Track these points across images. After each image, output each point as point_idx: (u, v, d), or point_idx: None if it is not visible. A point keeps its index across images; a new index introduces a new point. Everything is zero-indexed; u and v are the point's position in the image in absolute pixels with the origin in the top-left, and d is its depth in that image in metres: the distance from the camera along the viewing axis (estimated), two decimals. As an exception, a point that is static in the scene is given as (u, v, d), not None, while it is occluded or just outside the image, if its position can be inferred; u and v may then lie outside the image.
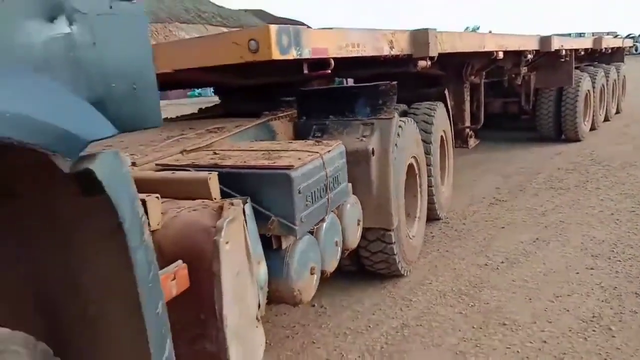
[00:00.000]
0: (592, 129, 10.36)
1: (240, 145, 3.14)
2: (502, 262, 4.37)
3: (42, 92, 1.07)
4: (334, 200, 2.87)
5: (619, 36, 25.11)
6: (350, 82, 6.84)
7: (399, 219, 3.82)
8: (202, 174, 2.28)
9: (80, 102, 1.15)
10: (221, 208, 2.03)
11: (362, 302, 3.88)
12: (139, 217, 1.30)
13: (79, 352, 1.53)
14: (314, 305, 3.86)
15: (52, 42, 1.10)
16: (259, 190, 2.44)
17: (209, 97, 19.46)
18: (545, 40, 7.91)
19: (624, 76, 13.48)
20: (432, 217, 5.34)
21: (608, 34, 28.49)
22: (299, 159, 2.55)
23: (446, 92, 5.91)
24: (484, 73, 7.25)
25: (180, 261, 1.66)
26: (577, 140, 9.49)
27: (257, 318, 2.23)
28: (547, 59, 8.62)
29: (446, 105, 5.78)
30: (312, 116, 3.83)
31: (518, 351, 3.06)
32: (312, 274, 2.65)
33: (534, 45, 7.69)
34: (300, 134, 3.82)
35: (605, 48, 11.52)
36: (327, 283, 3.62)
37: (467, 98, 6.90)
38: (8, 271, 1.63)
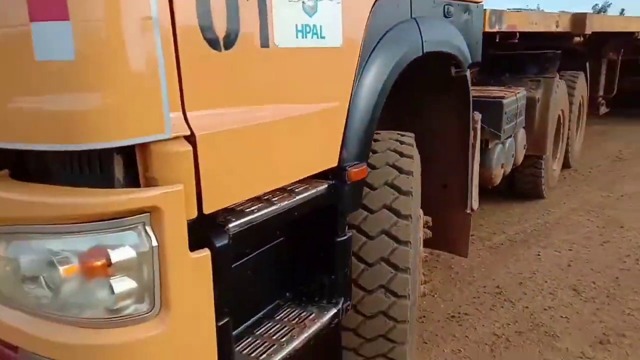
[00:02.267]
0: None
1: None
2: (622, 196, 5.73)
3: (460, 39, 2.78)
4: (518, 125, 4.46)
5: None
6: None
7: (548, 151, 5.30)
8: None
9: (466, 46, 2.85)
10: (469, 114, 3.70)
11: (512, 209, 5.45)
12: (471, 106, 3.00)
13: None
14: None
15: (464, 22, 2.81)
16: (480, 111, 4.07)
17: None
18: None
19: None
20: (564, 165, 6.68)
21: None
22: (505, 94, 4.16)
23: (587, 64, 7.13)
24: (622, 50, 8.26)
25: (471, 129, 3.37)
26: None
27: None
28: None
29: (586, 75, 7.01)
30: (492, 73, 5.36)
31: (630, 239, 4.52)
32: (501, 168, 4.28)
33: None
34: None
35: None
36: (485, 197, 5.18)
37: (604, 71, 8.02)
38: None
